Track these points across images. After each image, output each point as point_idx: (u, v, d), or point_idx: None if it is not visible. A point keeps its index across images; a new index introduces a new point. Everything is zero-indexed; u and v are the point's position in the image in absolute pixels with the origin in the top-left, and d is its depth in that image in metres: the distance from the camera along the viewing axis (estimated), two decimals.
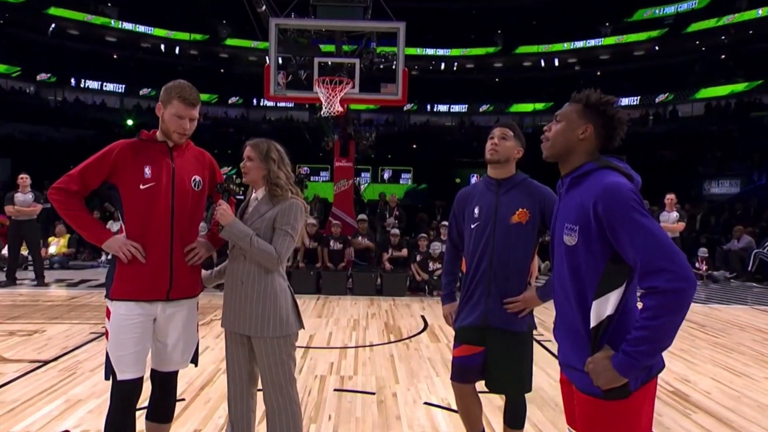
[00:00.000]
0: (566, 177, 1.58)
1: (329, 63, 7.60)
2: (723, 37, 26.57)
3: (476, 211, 2.32)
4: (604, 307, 1.41)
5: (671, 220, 7.38)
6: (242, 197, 2.39)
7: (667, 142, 22.99)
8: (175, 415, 3.08)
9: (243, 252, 2.12)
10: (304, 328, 2.27)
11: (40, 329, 5.05)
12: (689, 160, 21.00)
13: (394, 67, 7.40)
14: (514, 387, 2.34)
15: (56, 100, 28.03)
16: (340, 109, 7.18)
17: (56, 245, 9.03)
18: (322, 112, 7.35)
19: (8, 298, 6.60)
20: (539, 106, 30.31)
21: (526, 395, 3.57)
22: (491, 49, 32.10)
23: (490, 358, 2.30)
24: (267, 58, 7.73)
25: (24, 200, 7.31)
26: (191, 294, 2.21)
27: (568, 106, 1.60)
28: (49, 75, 28.12)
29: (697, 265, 9.61)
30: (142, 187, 2.06)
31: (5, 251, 8.35)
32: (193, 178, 2.18)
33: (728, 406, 3.55)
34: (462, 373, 2.36)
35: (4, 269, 7.73)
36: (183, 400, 3.38)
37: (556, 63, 31.50)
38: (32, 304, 6.22)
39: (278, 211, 2.12)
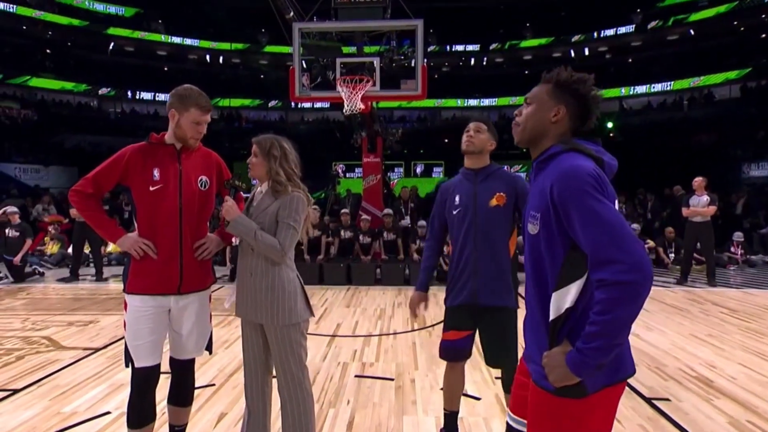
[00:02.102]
0: (534, 161, 1.44)
1: (352, 63, 7.57)
2: (764, 16, 24.73)
3: (457, 199, 2.45)
4: (564, 299, 1.28)
5: (701, 204, 6.92)
6: (248, 195, 2.40)
7: (703, 126, 21.69)
8: (205, 399, 3.21)
9: (251, 245, 2.13)
10: (313, 316, 2.27)
11: (95, 320, 5.31)
12: (726, 143, 19.73)
13: (413, 64, 7.30)
14: (508, 360, 2.42)
15: (116, 112, 29.38)
16: (362, 106, 7.15)
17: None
18: (344, 110, 7.34)
19: (71, 292, 6.99)
20: None
21: None
22: (520, 43, 31.18)
23: (484, 337, 2.45)
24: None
25: None
26: (202, 287, 2.24)
27: (539, 86, 1.45)
28: (109, 89, 29.51)
29: (732, 249, 9.04)
30: (151, 188, 2.10)
31: (70, 250, 8.84)
32: (199, 179, 2.21)
33: (755, 391, 3.33)
34: (450, 354, 2.53)
35: (69, 266, 8.19)
36: (213, 385, 3.46)
37: (587, 52, 30.25)
38: (90, 297, 6.55)
39: (280, 204, 2.12)
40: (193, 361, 2.32)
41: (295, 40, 7.49)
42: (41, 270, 8.30)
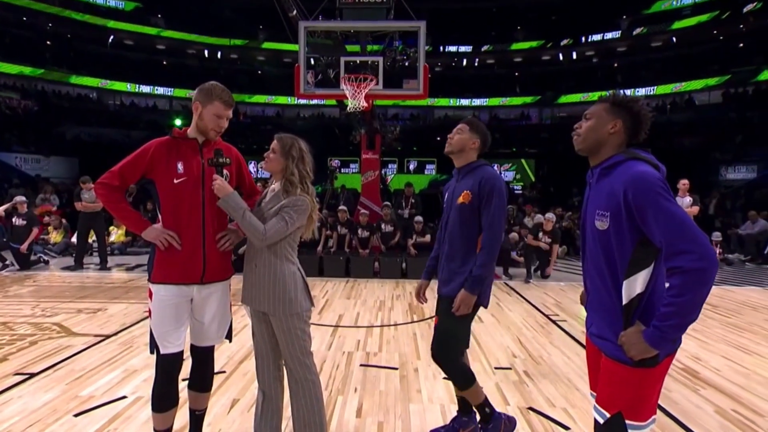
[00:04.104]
0: (596, 168, 1.62)
1: (355, 62, 7.55)
2: (742, 26, 25.07)
3: (446, 196, 2.54)
4: (634, 285, 1.47)
5: (685, 204, 7.08)
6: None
7: (685, 129, 21.99)
8: (217, 386, 3.22)
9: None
10: (314, 306, 2.28)
11: (103, 307, 5.29)
12: (706, 147, 20.03)
13: (415, 63, 7.30)
14: (434, 349, 2.45)
15: (115, 104, 28.97)
16: (365, 104, 7.14)
17: (115, 234, 9.39)
18: (348, 108, 7.33)
19: (77, 280, 6.93)
20: (573, 98, 29.37)
21: (541, 371, 3.53)
22: (511, 45, 31.27)
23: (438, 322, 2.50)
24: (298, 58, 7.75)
25: (89, 197, 7.67)
26: (223, 277, 2.25)
27: (597, 105, 1.65)
28: (108, 81, 29.06)
29: None
30: (175, 181, 2.10)
31: (74, 239, 8.76)
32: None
33: (738, 382, 3.43)
34: None
35: (73, 255, 8.11)
36: (224, 372, 3.48)
37: (575, 56, 30.44)
38: (97, 286, 6.51)
39: (286, 201, 2.14)
40: (213, 347, 2.33)
41: (301, 38, 7.44)
42: (46, 258, 8.21)
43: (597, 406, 1.57)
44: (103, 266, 7.76)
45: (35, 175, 17.50)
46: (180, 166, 2.13)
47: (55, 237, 9.25)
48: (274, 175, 2.25)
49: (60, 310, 5.15)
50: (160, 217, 2.18)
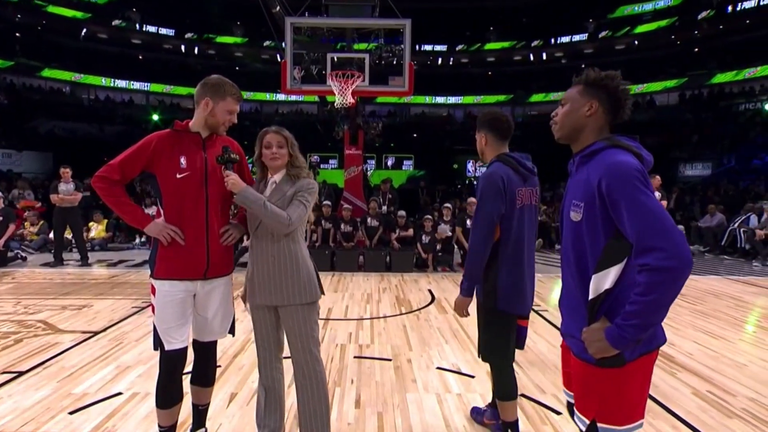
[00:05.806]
0: (576, 155, 1.47)
1: (334, 59, 7.46)
2: (696, 32, 26.04)
3: None
4: (604, 281, 1.33)
5: (657, 198, 7.35)
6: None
7: (647, 129, 22.74)
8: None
9: (270, 231, 2.08)
10: (324, 294, 2.26)
11: (88, 304, 5.09)
12: (666, 145, 20.79)
13: (400, 61, 7.28)
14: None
15: (89, 98, 27.85)
16: (352, 100, 7.07)
17: (95, 230, 9.04)
18: (335, 104, 7.24)
19: (58, 276, 6.64)
20: (538, 97, 29.97)
21: (528, 359, 3.57)
22: (484, 45, 31.57)
23: None
24: (282, 55, 7.61)
25: (66, 189, 7.33)
26: (226, 272, 2.20)
27: (571, 87, 1.50)
28: (82, 75, 27.89)
29: None
30: (178, 176, 2.02)
31: (52, 235, 8.38)
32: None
33: (709, 365, 3.57)
34: None
35: (52, 251, 7.77)
36: (219, 366, 3.39)
37: (544, 57, 30.97)
38: (79, 282, 6.25)
39: (297, 187, 2.12)
40: (215, 342, 2.27)
41: (288, 34, 7.29)
42: (23, 255, 7.84)
43: (577, 412, 1.45)
44: (84, 262, 7.46)
45: (7, 170, 16.68)
46: (183, 160, 2.05)
47: (32, 233, 8.83)
48: (278, 170, 2.19)
49: (43, 307, 4.93)
50: (162, 211, 2.09)
